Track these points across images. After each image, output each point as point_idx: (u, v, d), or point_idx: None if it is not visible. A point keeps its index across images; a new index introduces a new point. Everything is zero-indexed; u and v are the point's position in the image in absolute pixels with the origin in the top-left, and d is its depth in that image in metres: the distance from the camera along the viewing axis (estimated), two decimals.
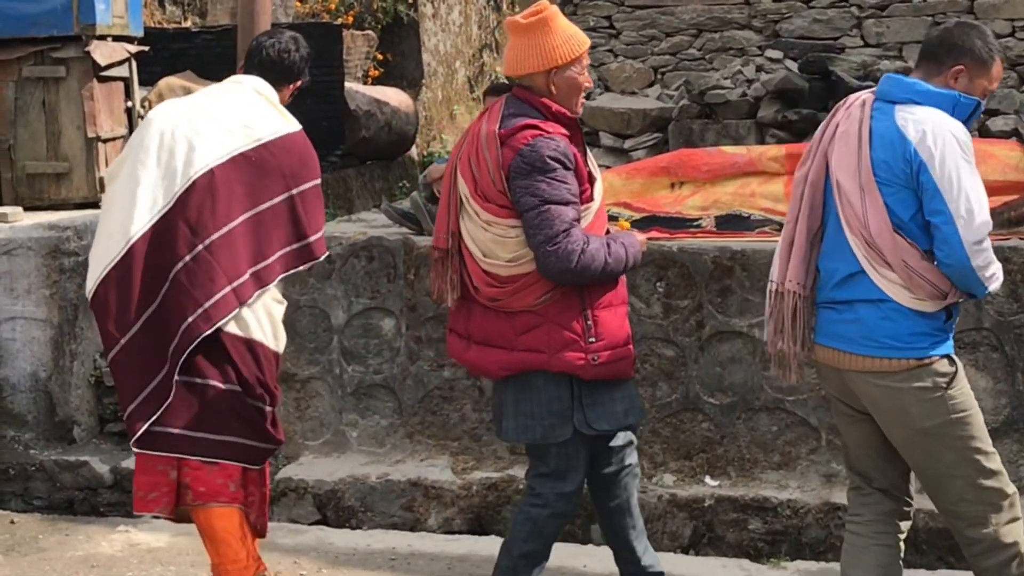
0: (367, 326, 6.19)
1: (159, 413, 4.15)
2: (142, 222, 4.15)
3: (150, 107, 8.15)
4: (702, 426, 5.74)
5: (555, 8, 4.02)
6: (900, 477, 3.92)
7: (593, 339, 3.95)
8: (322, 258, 4.43)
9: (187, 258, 4.13)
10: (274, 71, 4.41)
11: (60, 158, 7.52)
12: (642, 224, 5.89)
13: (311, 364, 6.26)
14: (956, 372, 3.71)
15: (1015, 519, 3.78)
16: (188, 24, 11.71)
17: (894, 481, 3.91)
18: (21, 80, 7.48)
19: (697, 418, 5.75)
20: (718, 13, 8.41)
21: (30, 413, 6.46)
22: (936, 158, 3.57)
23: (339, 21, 11.74)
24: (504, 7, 15.06)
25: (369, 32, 12.18)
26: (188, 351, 4.12)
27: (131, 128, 7.85)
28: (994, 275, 3.66)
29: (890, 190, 3.64)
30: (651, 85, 8.53)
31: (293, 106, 4.52)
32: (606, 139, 7.88)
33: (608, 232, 4.10)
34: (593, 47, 7.03)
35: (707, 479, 5.65)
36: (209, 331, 4.12)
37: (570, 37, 3.97)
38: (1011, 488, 3.79)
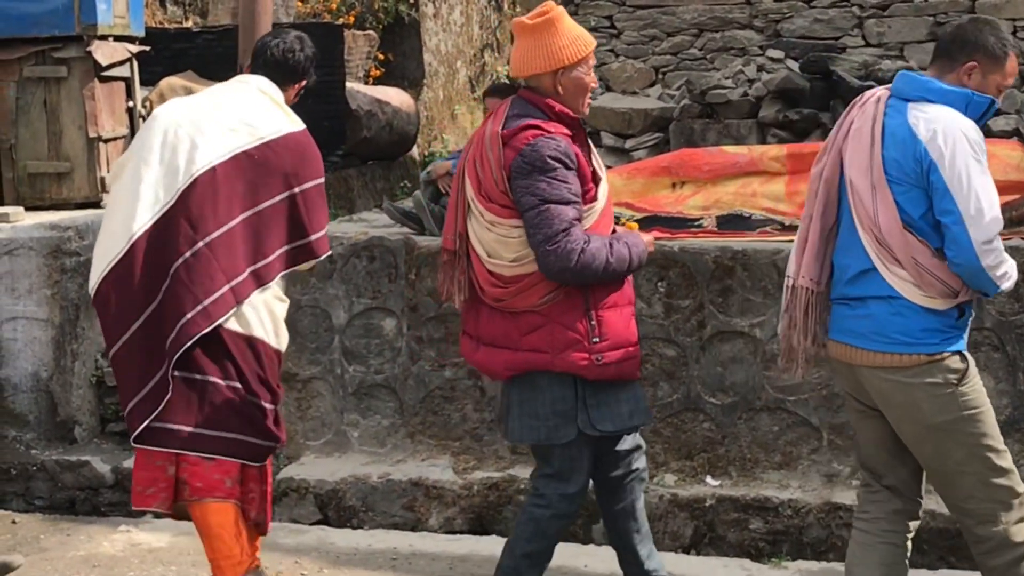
0: (368, 326, 6.20)
1: (159, 409, 4.16)
2: (144, 219, 4.17)
3: (151, 107, 8.16)
4: (703, 426, 5.74)
5: (561, 9, 4.02)
6: (910, 476, 3.90)
7: (597, 339, 3.94)
8: (324, 257, 4.44)
9: (187, 254, 4.14)
10: (279, 71, 4.43)
11: (61, 158, 7.52)
12: (643, 224, 5.88)
13: (312, 364, 6.26)
14: (968, 369, 3.70)
15: None
16: (189, 24, 11.71)
17: (904, 479, 3.90)
18: (22, 80, 7.49)
19: (698, 418, 5.75)
20: (719, 13, 8.41)
21: (31, 413, 6.46)
22: (946, 158, 3.57)
23: (340, 21, 11.74)
24: (505, 7, 15.07)
25: (370, 32, 12.18)
26: (186, 348, 4.13)
27: (132, 128, 7.86)
28: (1006, 274, 3.64)
29: (901, 188, 3.64)
30: (652, 85, 8.53)
31: (294, 106, 4.52)
32: (607, 139, 7.87)
33: (614, 232, 4.10)
34: None
35: (708, 479, 5.65)
36: (208, 329, 4.13)
37: (577, 37, 3.97)
38: (1022, 487, 3.77)
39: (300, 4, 12.51)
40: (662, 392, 5.75)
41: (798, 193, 6.11)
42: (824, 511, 5.36)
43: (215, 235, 4.17)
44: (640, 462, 4.21)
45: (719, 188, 6.25)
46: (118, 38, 7.76)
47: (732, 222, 6.03)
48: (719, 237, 5.91)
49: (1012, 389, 5.36)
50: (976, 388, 3.73)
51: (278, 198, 4.28)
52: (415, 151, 11.59)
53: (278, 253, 4.30)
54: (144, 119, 7.86)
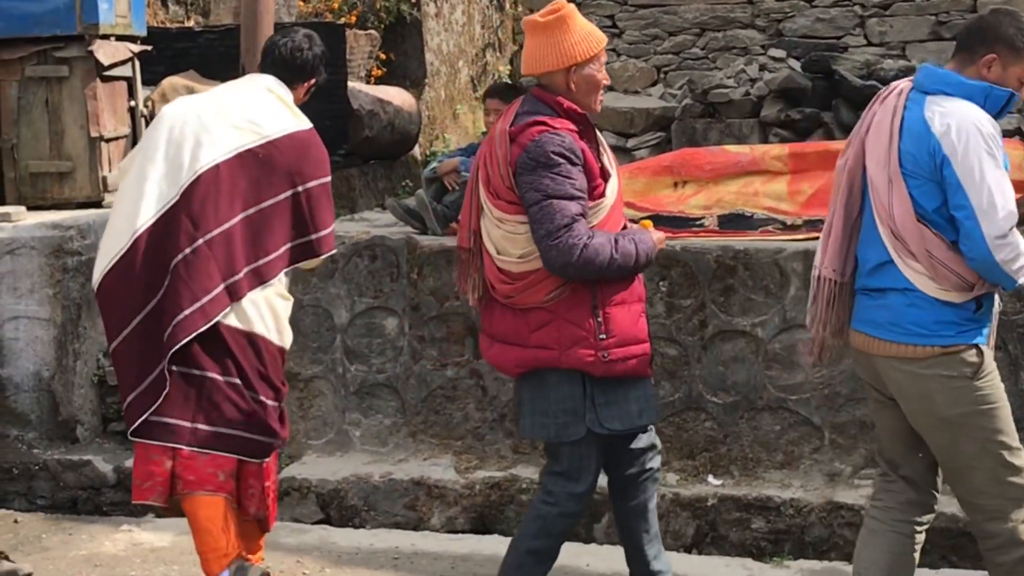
0: (370, 325, 6.20)
1: (157, 404, 4.17)
2: (147, 216, 4.21)
3: (153, 107, 8.17)
4: (705, 425, 5.74)
5: (572, 6, 4.02)
6: (926, 468, 3.89)
7: (604, 336, 3.93)
8: (327, 255, 4.45)
9: (187, 251, 4.16)
10: (287, 69, 4.45)
11: (63, 157, 7.52)
12: None
13: (314, 363, 6.26)
14: (983, 363, 3.69)
15: None
16: (191, 24, 11.71)
17: (920, 471, 3.89)
18: (24, 79, 7.48)
19: (700, 417, 5.75)
20: (721, 12, 8.41)
21: (33, 412, 6.46)
22: (959, 152, 3.55)
23: (342, 20, 11.74)
24: (507, 6, 15.07)
25: (372, 32, 12.18)
26: (183, 344, 4.14)
27: (134, 128, 7.87)
28: (1022, 268, 3.60)
29: (916, 182, 3.63)
30: (654, 84, 8.54)
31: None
32: (609, 138, 7.85)
33: (624, 228, 4.10)
34: None
35: (710, 478, 5.65)
36: (204, 327, 4.15)
37: (588, 34, 3.97)
38: None
39: (302, 4, 12.51)
40: (664, 391, 5.74)
41: (800, 192, 6.12)
42: (826, 510, 5.36)
43: (215, 232, 4.19)
44: (654, 462, 4.20)
45: (721, 187, 6.25)
46: (120, 38, 7.76)
47: (734, 221, 6.03)
48: (721, 236, 5.91)
49: (1014, 388, 5.35)
50: (992, 383, 3.71)
51: (282, 196, 4.30)
52: (417, 151, 11.60)
53: (281, 251, 4.32)
54: (146, 119, 7.89)
